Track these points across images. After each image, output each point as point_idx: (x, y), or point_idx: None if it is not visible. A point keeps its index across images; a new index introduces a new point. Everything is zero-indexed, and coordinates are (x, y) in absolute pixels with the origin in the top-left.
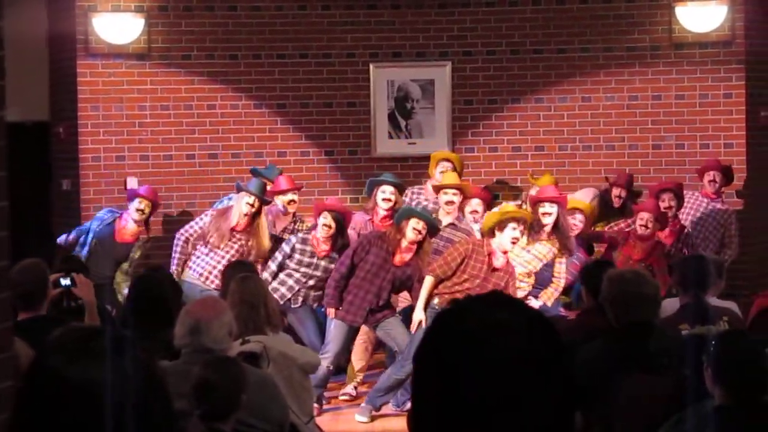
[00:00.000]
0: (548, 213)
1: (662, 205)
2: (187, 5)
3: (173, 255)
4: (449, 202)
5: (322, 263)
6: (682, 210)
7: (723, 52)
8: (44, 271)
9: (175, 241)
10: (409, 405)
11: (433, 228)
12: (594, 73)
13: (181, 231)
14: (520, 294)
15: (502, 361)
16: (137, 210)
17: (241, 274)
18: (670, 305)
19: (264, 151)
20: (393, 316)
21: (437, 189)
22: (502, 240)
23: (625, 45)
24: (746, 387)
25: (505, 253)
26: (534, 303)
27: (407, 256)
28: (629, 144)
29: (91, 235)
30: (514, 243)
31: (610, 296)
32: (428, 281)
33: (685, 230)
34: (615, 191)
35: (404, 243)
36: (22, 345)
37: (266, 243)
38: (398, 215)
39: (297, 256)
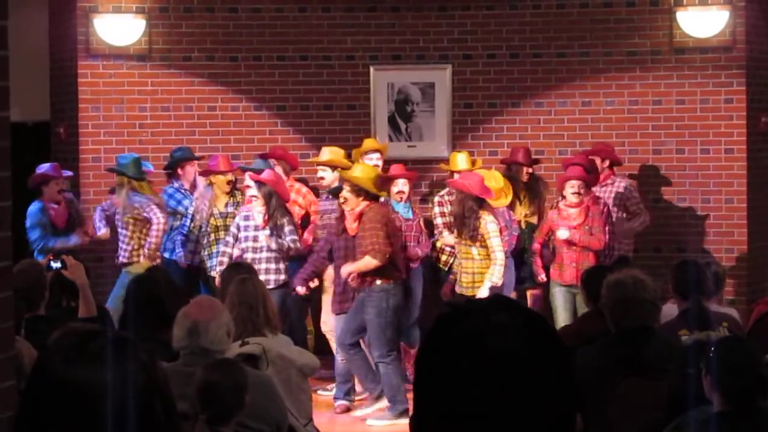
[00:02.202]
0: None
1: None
2: (187, 7)
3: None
4: (321, 178)
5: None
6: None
7: (724, 57)
8: (41, 272)
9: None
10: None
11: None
12: (594, 77)
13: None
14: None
15: (500, 364)
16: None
17: (240, 276)
18: (667, 311)
19: (264, 153)
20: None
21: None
22: None
23: (626, 49)
24: (745, 393)
25: (352, 212)
26: (484, 291)
27: (356, 224)
28: (629, 149)
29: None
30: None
31: (609, 301)
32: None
33: (601, 200)
34: (525, 170)
35: (347, 215)
36: (26, 345)
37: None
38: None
39: (242, 233)
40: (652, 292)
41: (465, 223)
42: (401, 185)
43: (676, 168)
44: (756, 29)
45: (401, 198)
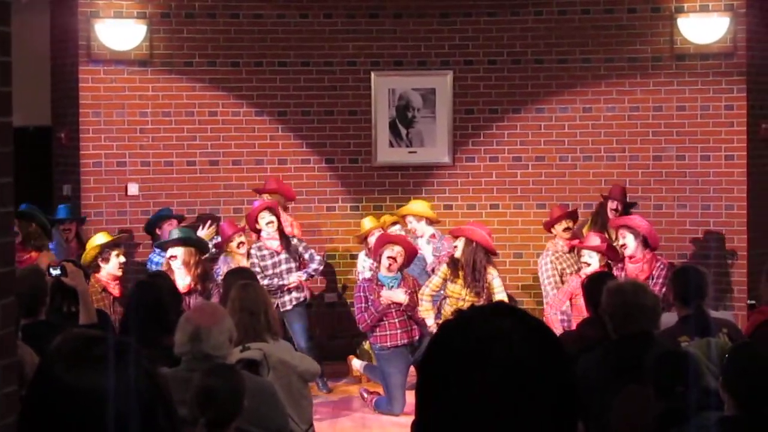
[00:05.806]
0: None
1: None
2: (189, 12)
3: None
4: None
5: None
6: None
7: (724, 63)
8: (42, 278)
9: None
10: None
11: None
12: (595, 83)
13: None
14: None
15: (504, 371)
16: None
17: (241, 282)
18: (666, 319)
19: (264, 159)
20: None
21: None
22: None
23: (627, 56)
24: (760, 398)
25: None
26: None
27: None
28: (630, 155)
29: None
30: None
31: (609, 307)
32: None
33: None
34: (611, 204)
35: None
36: (28, 351)
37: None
38: None
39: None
40: (653, 299)
41: (475, 276)
42: (396, 251)
43: (677, 174)
44: (756, 36)
45: (390, 265)
